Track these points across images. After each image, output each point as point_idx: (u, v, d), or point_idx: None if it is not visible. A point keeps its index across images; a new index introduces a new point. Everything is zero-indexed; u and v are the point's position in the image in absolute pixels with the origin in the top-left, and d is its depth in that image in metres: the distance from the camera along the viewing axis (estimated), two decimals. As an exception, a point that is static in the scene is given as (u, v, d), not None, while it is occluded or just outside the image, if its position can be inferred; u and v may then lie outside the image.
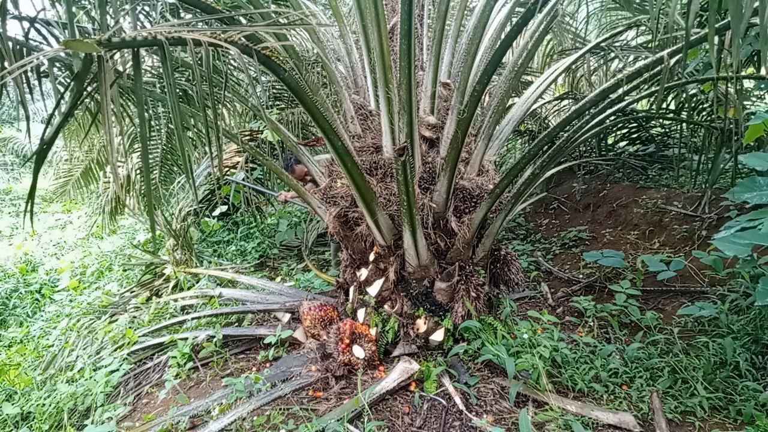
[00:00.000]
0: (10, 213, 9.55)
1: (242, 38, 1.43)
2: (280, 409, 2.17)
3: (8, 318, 4.85)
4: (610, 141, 5.41)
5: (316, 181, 3.46)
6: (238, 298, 3.39)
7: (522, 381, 2.27)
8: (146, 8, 2.56)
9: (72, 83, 1.46)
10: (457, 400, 2.21)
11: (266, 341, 2.75)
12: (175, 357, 2.71)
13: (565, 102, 5.35)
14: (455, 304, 2.59)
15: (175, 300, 3.67)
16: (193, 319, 3.12)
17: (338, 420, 2.01)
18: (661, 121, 4.71)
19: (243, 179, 4.74)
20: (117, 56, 1.52)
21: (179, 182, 4.71)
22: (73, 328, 3.40)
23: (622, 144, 5.36)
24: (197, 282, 4.04)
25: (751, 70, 3.51)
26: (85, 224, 7.55)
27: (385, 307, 2.63)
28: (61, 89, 1.87)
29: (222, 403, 2.21)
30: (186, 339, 2.82)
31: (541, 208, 5.48)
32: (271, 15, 2.35)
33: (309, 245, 4.99)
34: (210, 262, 4.58)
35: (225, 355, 2.79)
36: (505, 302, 2.69)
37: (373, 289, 2.63)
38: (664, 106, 4.10)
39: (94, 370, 2.73)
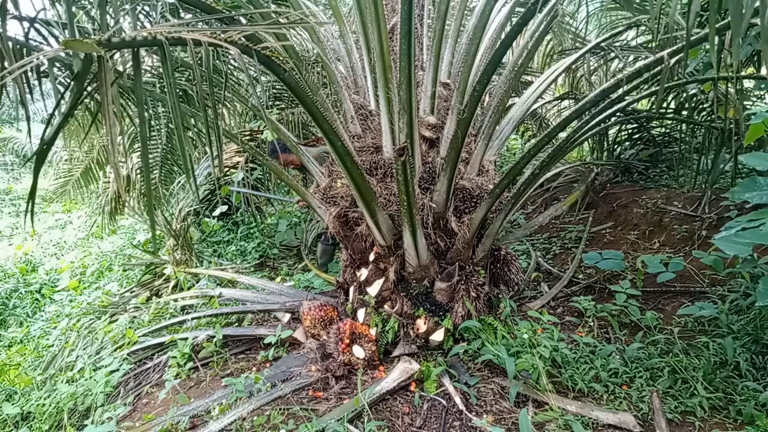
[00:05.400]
0: (10, 213, 9.55)
1: (242, 38, 1.43)
2: (280, 409, 2.17)
3: (8, 318, 4.85)
4: (609, 141, 5.40)
5: (301, 169, 3.56)
6: (238, 298, 3.39)
7: (522, 381, 2.27)
8: (146, 8, 2.56)
9: (72, 83, 1.46)
10: (457, 400, 2.21)
11: (266, 341, 2.75)
12: (175, 357, 2.71)
13: (565, 102, 5.34)
14: (455, 304, 2.59)
15: (175, 300, 3.66)
16: (193, 319, 3.12)
17: (338, 420, 2.01)
18: (662, 121, 4.71)
19: (234, 207, 4.75)
20: (117, 56, 1.52)
21: (179, 182, 4.71)
22: (73, 328, 3.40)
23: (622, 144, 5.35)
24: (197, 282, 4.04)
25: (751, 70, 3.51)
26: (85, 224, 7.56)
27: (385, 307, 2.63)
28: (61, 89, 1.87)
29: (222, 403, 2.21)
30: (186, 339, 2.82)
31: (542, 208, 5.48)
32: (271, 15, 2.35)
33: (308, 245, 4.99)
34: (210, 262, 4.58)
35: (225, 355, 2.79)
36: (505, 302, 2.69)
37: (373, 289, 2.63)
38: (664, 106, 4.10)
39: (94, 370, 2.73)
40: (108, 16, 1.81)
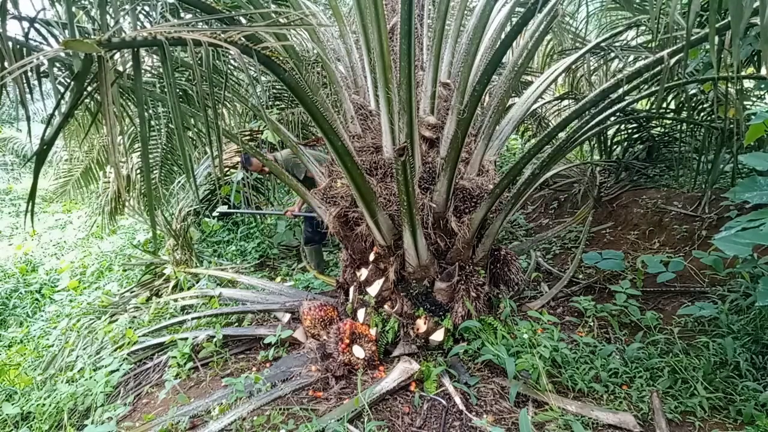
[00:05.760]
0: (10, 213, 9.56)
1: (242, 38, 1.43)
2: (280, 409, 2.17)
3: (8, 318, 4.86)
4: (609, 141, 5.40)
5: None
6: (238, 298, 3.39)
7: (522, 381, 2.27)
8: (146, 8, 2.56)
9: (72, 83, 1.46)
10: (457, 400, 2.21)
11: (266, 341, 2.75)
12: (175, 357, 2.71)
13: (565, 102, 5.34)
14: (455, 304, 2.59)
15: (175, 300, 3.66)
16: (193, 319, 3.12)
17: (338, 420, 2.01)
18: (661, 120, 4.71)
19: (233, 206, 4.81)
20: (117, 56, 1.52)
21: (179, 182, 4.71)
22: (73, 328, 3.40)
23: (622, 144, 5.35)
24: (197, 282, 4.04)
25: (751, 70, 3.51)
26: (85, 224, 7.56)
27: (385, 307, 2.63)
28: (61, 89, 1.87)
29: (222, 403, 2.21)
30: (186, 339, 2.82)
31: (541, 207, 5.48)
32: (271, 15, 2.35)
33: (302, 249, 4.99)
34: (210, 262, 4.58)
35: (225, 355, 2.79)
36: (505, 302, 2.69)
37: (373, 289, 2.63)
38: (664, 106, 4.10)
39: (94, 370, 2.73)
40: (108, 16, 1.81)
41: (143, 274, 4.53)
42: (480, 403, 2.21)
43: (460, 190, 2.63)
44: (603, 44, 3.83)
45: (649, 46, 4.21)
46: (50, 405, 2.53)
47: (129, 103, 2.97)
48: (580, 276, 3.59)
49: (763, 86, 3.43)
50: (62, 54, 1.52)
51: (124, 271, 5.14)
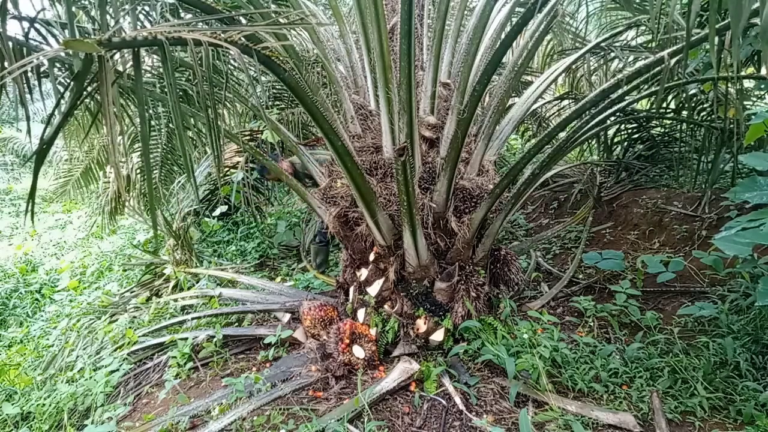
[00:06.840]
0: (10, 213, 9.56)
1: (242, 38, 1.43)
2: (280, 409, 2.17)
3: (8, 318, 4.85)
4: (609, 141, 5.40)
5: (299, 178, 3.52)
6: (238, 298, 3.39)
7: (522, 381, 2.27)
8: (146, 8, 2.56)
9: (72, 83, 1.46)
10: (457, 400, 2.21)
11: (266, 341, 2.75)
12: (175, 357, 2.71)
13: (565, 102, 5.34)
14: (455, 304, 2.59)
15: (175, 300, 3.66)
16: (193, 319, 3.12)
17: (338, 420, 2.01)
18: (662, 120, 4.71)
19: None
20: (117, 56, 1.52)
21: (179, 182, 4.71)
22: (73, 328, 3.40)
23: (622, 144, 5.35)
24: (197, 282, 4.03)
25: (751, 70, 3.51)
26: (85, 224, 7.56)
27: (385, 307, 2.63)
28: (61, 89, 1.87)
29: (222, 403, 2.21)
30: (186, 339, 2.82)
31: (541, 207, 5.48)
32: (271, 15, 2.35)
33: (306, 246, 4.99)
34: (210, 262, 4.58)
35: (225, 355, 2.79)
36: (505, 302, 2.69)
37: (373, 289, 2.63)
38: (664, 106, 4.10)
39: (94, 370, 2.73)
40: (108, 16, 1.81)
41: (143, 274, 4.53)
42: (480, 403, 2.21)
43: (460, 190, 2.63)
44: (603, 44, 3.83)
45: (649, 46, 4.21)
46: (50, 405, 2.53)
47: (129, 103, 2.97)
48: (580, 276, 3.60)
49: (763, 86, 3.43)
50: (62, 54, 1.52)
51: (124, 271, 5.14)
